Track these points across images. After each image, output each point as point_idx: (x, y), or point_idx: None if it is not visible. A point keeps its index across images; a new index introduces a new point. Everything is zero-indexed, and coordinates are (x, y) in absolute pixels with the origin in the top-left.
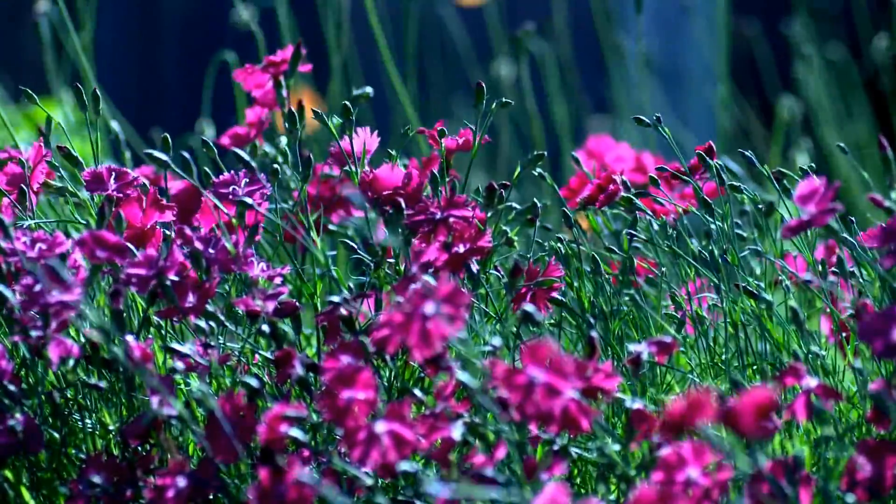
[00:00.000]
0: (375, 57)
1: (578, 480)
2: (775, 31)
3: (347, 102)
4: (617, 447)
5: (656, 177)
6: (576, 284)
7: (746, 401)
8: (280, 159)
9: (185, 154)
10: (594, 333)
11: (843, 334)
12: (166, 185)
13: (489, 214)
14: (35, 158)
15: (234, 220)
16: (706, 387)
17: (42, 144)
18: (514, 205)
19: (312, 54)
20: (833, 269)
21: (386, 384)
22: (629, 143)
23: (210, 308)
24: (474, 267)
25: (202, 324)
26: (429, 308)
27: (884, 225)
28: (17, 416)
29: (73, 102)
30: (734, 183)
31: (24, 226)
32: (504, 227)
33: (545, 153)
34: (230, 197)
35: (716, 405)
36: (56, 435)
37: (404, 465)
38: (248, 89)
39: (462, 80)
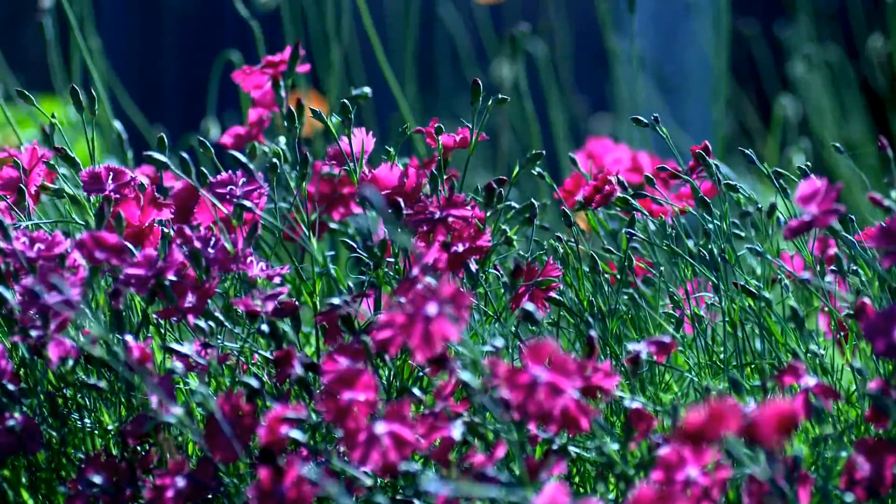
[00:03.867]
0: (376, 58)
1: (577, 479)
2: (774, 31)
3: (346, 101)
4: (616, 446)
5: (652, 176)
6: (574, 284)
7: (768, 413)
8: (279, 158)
9: (185, 154)
10: (593, 333)
11: (842, 333)
12: (162, 182)
13: (488, 213)
14: (31, 161)
15: (234, 222)
16: (725, 397)
17: (37, 146)
18: (513, 204)
19: (314, 54)
20: (831, 267)
21: (385, 384)
22: (628, 142)
23: (209, 308)
24: (473, 266)
25: (201, 323)
26: (431, 309)
27: (883, 224)
28: (17, 415)
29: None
30: (731, 182)
31: (24, 226)
32: (503, 227)
33: (543, 152)
34: (227, 197)
35: (740, 417)
36: (55, 435)
37: (404, 465)
38: (246, 90)
39: (466, 81)
